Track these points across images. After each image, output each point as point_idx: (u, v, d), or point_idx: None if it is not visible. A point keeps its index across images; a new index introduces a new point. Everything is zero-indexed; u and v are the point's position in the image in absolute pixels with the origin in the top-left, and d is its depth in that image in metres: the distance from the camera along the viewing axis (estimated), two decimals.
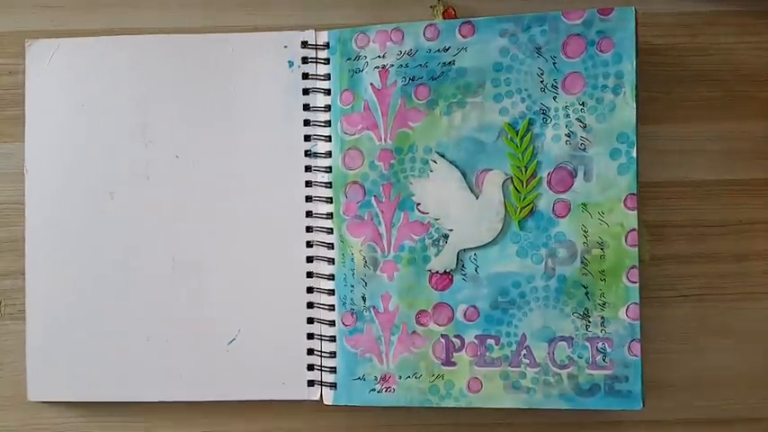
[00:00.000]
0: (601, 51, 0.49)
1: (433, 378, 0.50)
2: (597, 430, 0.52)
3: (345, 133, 0.51)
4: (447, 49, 0.50)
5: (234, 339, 0.52)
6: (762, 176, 0.53)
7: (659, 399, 0.52)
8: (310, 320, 0.52)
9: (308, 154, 0.52)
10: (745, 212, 0.52)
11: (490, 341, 0.50)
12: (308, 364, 0.52)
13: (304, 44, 0.52)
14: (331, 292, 0.51)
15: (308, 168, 0.52)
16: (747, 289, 0.52)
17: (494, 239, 0.50)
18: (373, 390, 0.51)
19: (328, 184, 0.52)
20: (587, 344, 0.49)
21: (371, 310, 0.51)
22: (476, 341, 0.50)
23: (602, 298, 0.49)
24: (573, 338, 0.49)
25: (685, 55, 0.53)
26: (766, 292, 0.52)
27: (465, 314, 0.50)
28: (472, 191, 0.50)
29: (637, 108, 0.49)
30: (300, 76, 0.52)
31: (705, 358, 0.52)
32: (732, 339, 0.52)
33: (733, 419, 0.52)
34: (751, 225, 0.52)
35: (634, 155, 0.49)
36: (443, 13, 0.52)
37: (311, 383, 0.52)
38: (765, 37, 0.53)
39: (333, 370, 0.51)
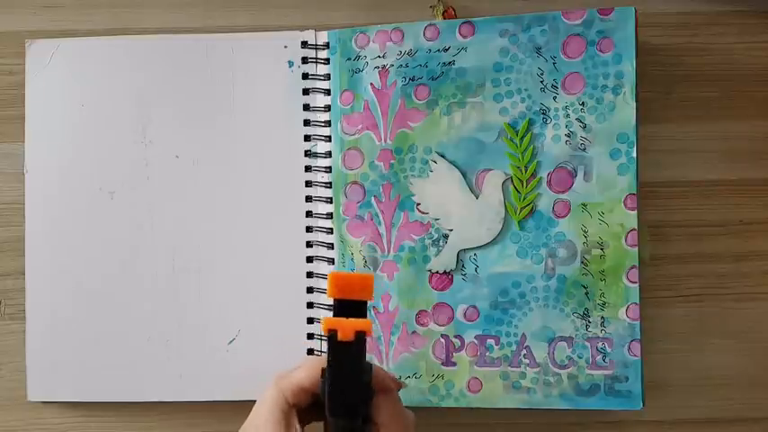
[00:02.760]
0: (601, 51, 0.49)
1: (433, 378, 0.50)
2: (597, 430, 0.52)
3: (345, 133, 0.51)
4: (447, 49, 0.50)
5: (234, 339, 0.52)
6: (762, 176, 0.53)
7: (659, 399, 0.52)
8: (310, 320, 0.52)
9: (307, 154, 0.52)
10: (745, 212, 0.52)
11: (490, 341, 0.50)
12: None
13: (304, 44, 0.52)
14: None
15: (307, 168, 0.52)
16: (747, 289, 0.52)
17: (494, 239, 0.50)
18: None
19: (328, 184, 0.52)
20: (587, 344, 0.49)
21: (371, 310, 0.51)
22: (476, 341, 0.50)
23: (602, 298, 0.49)
24: (573, 338, 0.49)
25: (685, 55, 0.53)
26: (766, 292, 0.52)
27: (465, 314, 0.50)
28: (472, 191, 0.50)
29: (637, 108, 0.49)
30: (300, 76, 0.52)
31: (705, 358, 0.52)
32: (732, 339, 0.52)
33: (733, 419, 0.52)
34: (751, 225, 0.52)
35: (634, 155, 0.49)
36: (443, 13, 0.52)
37: None
38: (765, 37, 0.53)
39: None
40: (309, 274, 0.52)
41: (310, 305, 0.52)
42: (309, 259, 0.52)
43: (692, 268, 0.52)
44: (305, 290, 0.52)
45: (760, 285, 0.52)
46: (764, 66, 0.53)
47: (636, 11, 0.49)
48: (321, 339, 0.52)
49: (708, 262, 0.52)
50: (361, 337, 0.36)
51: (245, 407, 0.51)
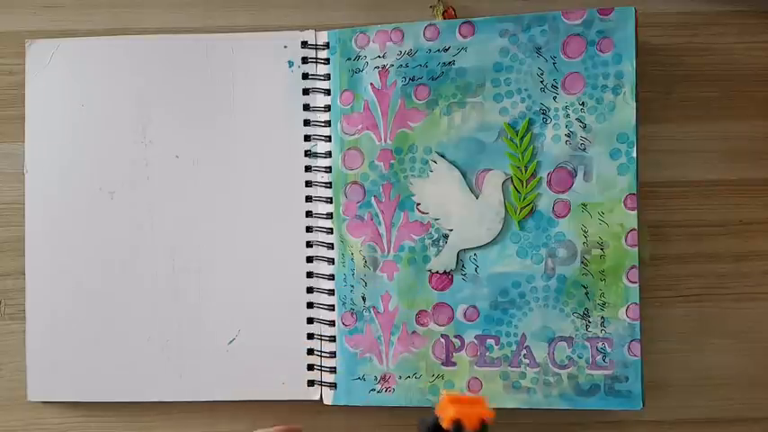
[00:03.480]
0: (601, 51, 0.49)
1: (433, 378, 0.50)
2: (597, 430, 0.52)
3: (345, 133, 0.51)
4: (447, 49, 0.50)
5: (234, 339, 0.52)
6: (762, 176, 0.53)
7: (659, 399, 0.52)
8: (310, 320, 0.52)
9: (307, 154, 0.52)
10: (745, 212, 0.52)
11: (490, 341, 0.50)
12: (308, 364, 0.52)
13: (304, 44, 0.52)
14: (331, 292, 0.51)
15: (308, 168, 0.52)
16: (747, 289, 0.52)
17: (494, 239, 0.50)
18: (373, 390, 0.51)
19: (328, 184, 0.52)
20: (587, 344, 0.49)
21: (371, 310, 0.51)
22: (476, 341, 0.50)
23: (602, 298, 0.49)
24: (573, 338, 0.49)
25: (685, 55, 0.53)
26: (766, 292, 0.52)
27: (465, 314, 0.50)
28: (472, 191, 0.50)
29: (637, 108, 0.49)
30: (300, 76, 0.52)
31: (705, 358, 0.52)
32: (732, 339, 0.52)
33: (733, 419, 0.52)
34: (751, 225, 0.52)
35: (634, 155, 0.49)
36: (443, 13, 0.52)
37: (311, 383, 0.52)
38: (765, 37, 0.53)
39: (333, 370, 0.51)
40: (309, 274, 0.52)
41: (310, 305, 0.52)
42: (309, 259, 0.52)
43: (692, 268, 0.52)
44: (305, 290, 0.52)
45: (760, 285, 0.52)
46: (764, 66, 0.53)
47: (636, 11, 0.49)
48: (321, 339, 0.52)
49: (708, 262, 0.52)
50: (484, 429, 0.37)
51: (245, 407, 0.52)
